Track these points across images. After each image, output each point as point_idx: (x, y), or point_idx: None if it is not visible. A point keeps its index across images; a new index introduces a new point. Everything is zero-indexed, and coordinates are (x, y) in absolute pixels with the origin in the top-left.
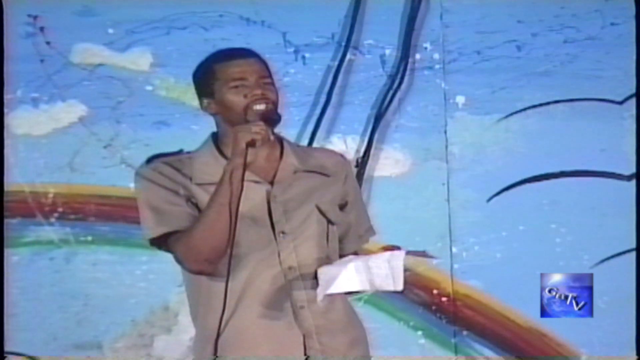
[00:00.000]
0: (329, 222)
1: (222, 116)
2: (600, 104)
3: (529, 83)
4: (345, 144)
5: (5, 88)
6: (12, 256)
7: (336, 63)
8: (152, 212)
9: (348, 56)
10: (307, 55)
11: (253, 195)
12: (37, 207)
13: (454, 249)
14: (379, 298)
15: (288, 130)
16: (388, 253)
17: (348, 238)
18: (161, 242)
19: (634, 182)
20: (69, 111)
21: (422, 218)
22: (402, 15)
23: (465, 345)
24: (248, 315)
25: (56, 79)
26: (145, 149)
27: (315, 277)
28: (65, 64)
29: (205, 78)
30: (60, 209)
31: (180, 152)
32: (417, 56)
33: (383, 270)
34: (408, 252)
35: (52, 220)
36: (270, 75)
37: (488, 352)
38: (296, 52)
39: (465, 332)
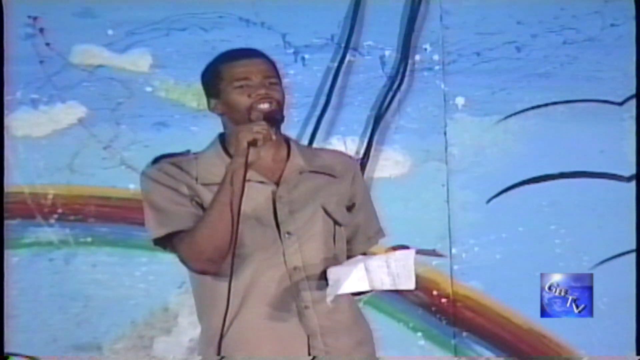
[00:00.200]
0: (336, 222)
1: (228, 116)
2: (600, 105)
3: (529, 84)
4: (344, 145)
5: (5, 89)
6: (12, 257)
7: (336, 64)
8: (157, 212)
9: (348, 57)
10: (306, 56)
11: (258, 196)
12: (36, 209)
13: (453, 250)
14: (378, 299)
15: (288, 131)
16: (398, 252)
17: (356, 239)
18: (166, 243)
19: (633, 183)
20: (69, 112)
21: (421, 219)
22: (402, 16)
23: (465, 347)
24: (252, 315)
25: (56, 80)
26: (145, 150)
27: (322, 277)
28: (65, 65)
29: (212, 79)
30: (60, 210)
31: (187, 152)
32: (417, 57)
33: (394, 270)
34: (418, 251)
35: (52, 221)
36: (276, 76)
37: (488, 353)
38: (296, 53)
39: (465, 333)
